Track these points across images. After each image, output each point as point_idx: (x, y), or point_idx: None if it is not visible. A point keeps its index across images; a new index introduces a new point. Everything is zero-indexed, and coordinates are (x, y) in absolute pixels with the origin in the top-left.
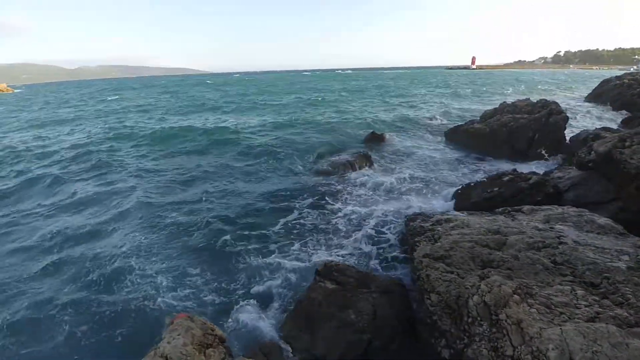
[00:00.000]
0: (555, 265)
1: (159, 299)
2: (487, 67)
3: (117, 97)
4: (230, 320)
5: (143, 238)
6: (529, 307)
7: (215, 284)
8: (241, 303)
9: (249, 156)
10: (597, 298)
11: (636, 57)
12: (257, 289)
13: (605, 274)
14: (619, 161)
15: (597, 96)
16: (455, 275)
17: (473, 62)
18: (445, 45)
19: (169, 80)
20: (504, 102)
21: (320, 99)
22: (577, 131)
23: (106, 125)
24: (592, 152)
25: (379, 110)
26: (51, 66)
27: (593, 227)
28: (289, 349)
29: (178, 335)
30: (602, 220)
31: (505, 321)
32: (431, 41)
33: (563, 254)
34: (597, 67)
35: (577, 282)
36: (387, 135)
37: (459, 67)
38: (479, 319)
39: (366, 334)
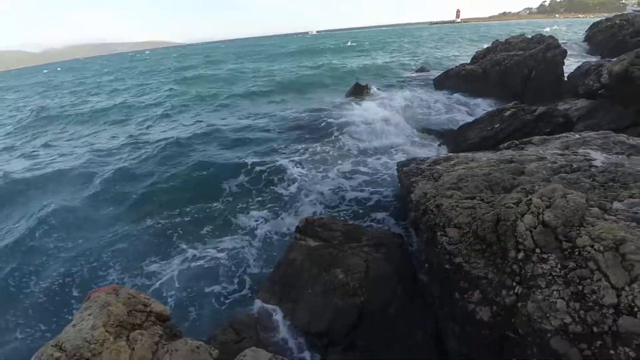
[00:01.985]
0: (602, 184)
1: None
2: (473, 19)
3: None
4: (192, 293)
5: (77, 213)
6: (616, 224)
7: (170, 250)
8: (205, 271)
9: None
10: None
11: (623, 1)
12: (226, 253)
13: None
14: (639, 79)
15: (587, 40)
16: (479, 200)
17: (458, 16)
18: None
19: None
20: (497, 40)
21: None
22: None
23: None
24: (604, 76)
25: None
26: (15, 51)
27: (623, 147)
28: (266, 322)
29: (89, 315)
30: (633, 140)
31: (591, 247)
32: None
33: (605, 171)
34: (583, 15)
35: None
36: (372, 86)
37: (443, 22)
38: (538, 251)
39: (358, 296)
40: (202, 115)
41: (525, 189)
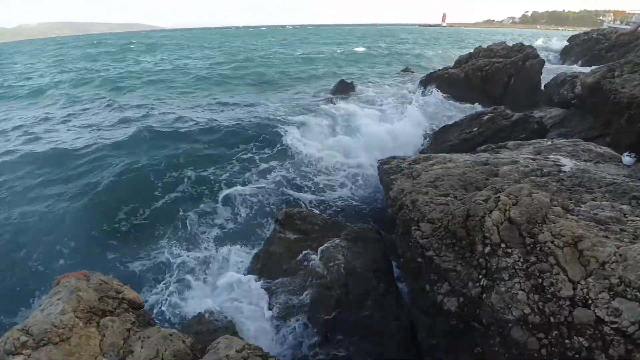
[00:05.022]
0: (569, 188)
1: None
2: (458, 24)
3: None
4: (167, 285)
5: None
6: (576, 223)
7: (150, 244)
8: (185, 263)
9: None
10: None
11: (600, 18)
12: (205, 244)
13: (634, 193)
14: (609, 91)
15: (565, 53)
16: (452, 197)
17: (444, 20)
18: (416, 3)
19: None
20: (479, 46)
21: None
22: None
23: None
24: (577, 87)
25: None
26: None
27: (591, 155)
28: (245, 312)
29: (58, 299)
30: (600, 148)
31: (552, 243)
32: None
33: (573, 177)
34: (562, 28)
35: (608, 200)
36: (357, 84)
37: (430, 25)
38: (503, 245)
39: (335, 289)
40: None
41: (495, 187)
